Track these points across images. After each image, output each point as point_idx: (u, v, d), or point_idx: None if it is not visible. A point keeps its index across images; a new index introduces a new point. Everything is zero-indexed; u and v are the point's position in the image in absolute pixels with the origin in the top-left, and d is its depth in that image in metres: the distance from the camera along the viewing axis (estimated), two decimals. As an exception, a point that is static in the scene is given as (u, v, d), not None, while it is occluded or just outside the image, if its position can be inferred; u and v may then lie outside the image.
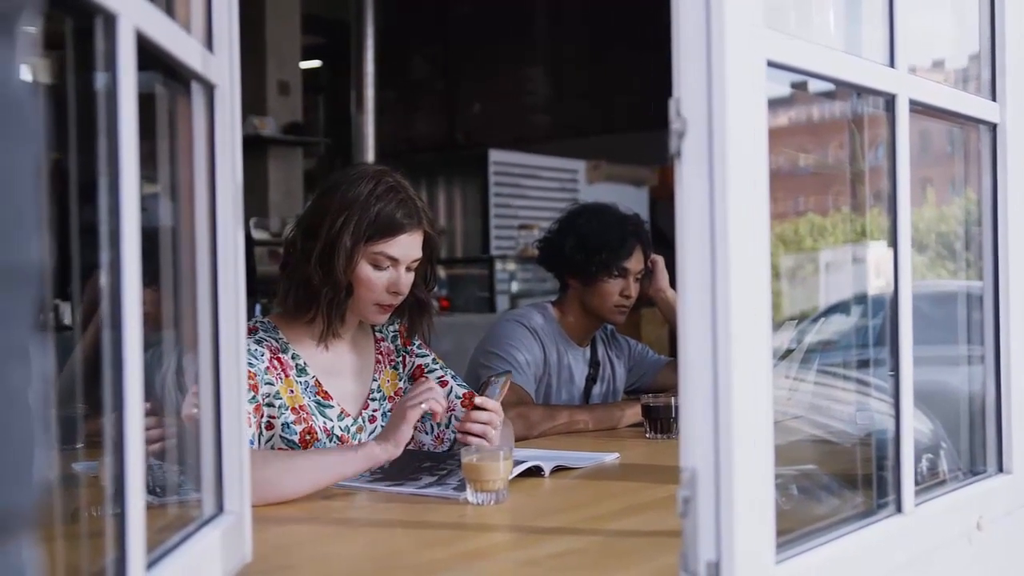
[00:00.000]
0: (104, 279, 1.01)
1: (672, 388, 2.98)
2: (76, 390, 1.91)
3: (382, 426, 2.28)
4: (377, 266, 2.18)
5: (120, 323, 1.00)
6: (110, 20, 0.99)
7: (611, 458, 2.34)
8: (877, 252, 1.89)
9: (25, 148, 0.59)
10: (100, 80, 1.02)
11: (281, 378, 2.17)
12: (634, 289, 3.02)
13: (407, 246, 2.20)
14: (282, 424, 2.14)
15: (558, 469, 2.17)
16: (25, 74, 0.60)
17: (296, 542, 1.68)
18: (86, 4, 0.95)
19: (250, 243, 4.77)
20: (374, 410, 2.32)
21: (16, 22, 0.59)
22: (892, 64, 1.51)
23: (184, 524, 1.30)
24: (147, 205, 1.10)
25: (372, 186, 2.18)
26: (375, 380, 2.33)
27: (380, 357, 2.37)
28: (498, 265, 7.54)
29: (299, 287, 2.19)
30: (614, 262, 2.98)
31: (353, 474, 1.97)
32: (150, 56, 1.11)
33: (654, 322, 6.65)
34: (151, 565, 1.09)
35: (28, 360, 0.59)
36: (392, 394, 2.35)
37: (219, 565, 1.30)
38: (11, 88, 0.58)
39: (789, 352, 2.24)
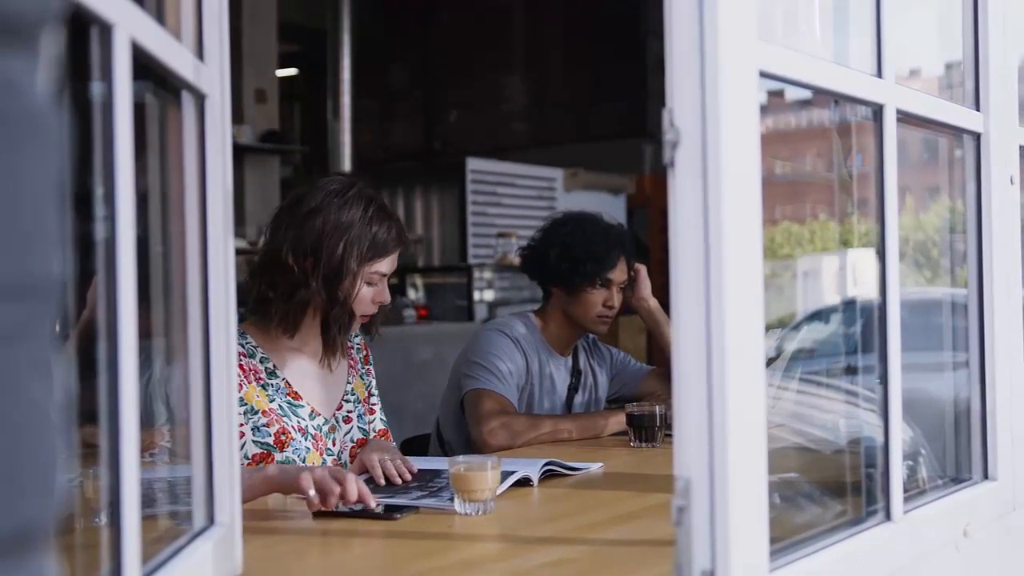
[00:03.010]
0: (100, 290, 1.00)
1: (654, 396, 2.98)
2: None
3: (358, 427, 2.39)
4: (370, 283, 2.28)
5: (115, 334, 1.00)
6: (106, 30, 0.99)
7: (596, 467, 2.34)
8: (855, 260, 1.90)
9: (47, 161, 0.58)
10: (95, 89, 1.01)
11: (246, 384, 2.21)
12: (617, 299, 3.02)
13: (394, 261, 2.32)
14: (253, 428, 2.19)
15: (548, 475, 2.18)
16: (45, 87, 0.60)
17: (286, 554, 1.67)
18: (82, 13, 0.95)
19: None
20: (348, 411, 2.39)
21: (38, 36, 0.59)
22: (879, 74, 1.52)
23: (175, 536, 1.29)
24: (136, 215, 1.09)
25: (363, 208, 2.26)
26: (349, 383, 2.41)
27: (352, 362, 2.45)
28: (476, 273, 7.52)
29: (298, 308, 2.24)
30: (598, 273, 2.97)
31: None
32: (142, 65, 1.10)
33: (631, 330, 6.66)
34: (145, 578, 1.09)
35: (50, 374, 0.59)
36: (362, 399, 2.44)
37: (211, 577, 1.30)
38: (33, 101, 0.58)
39: (771, 360, 2.25)
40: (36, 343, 0.58)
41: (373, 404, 2.50)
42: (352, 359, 2.45)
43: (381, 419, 2.50)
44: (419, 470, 2.20)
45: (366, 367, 2.50)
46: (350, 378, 2.42)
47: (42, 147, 0.58)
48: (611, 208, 7.60)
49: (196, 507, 1.35)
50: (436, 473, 2.18)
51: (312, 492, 1.79)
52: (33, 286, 0.57)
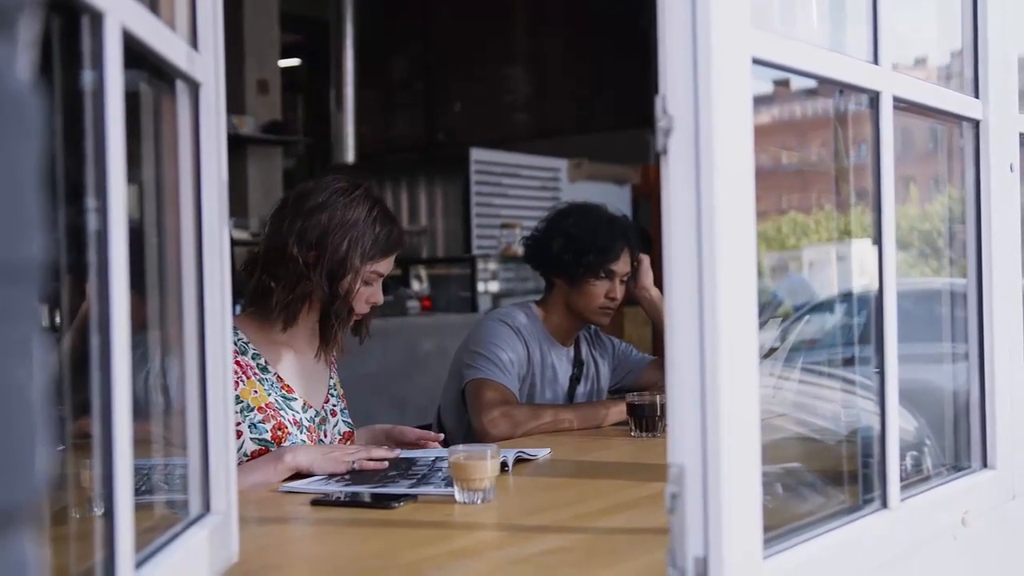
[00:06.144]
0: (91, 281, 1.00)
1: (656, 386, 2.98)
2: (59, 391, 1.91)
3: (343, 420, 2.44)
4: (367, 282, 2.31)
5: (108, 325, 1.00)
6: (96, 18, 0.99)
7: (543, 453, 2.37)
8: (860, 250, 1.90)
9: (26, 145, 0.59)
10: (86, 78, 1.01)
11: (243, 380, 2.23)
12: (619, 291, 3.01)
13: (392, 263, 2.36)
14: (249, 425, 2.20)
15: (519, 461, 2.23)
16: (25, 72, 0.60)
17: (283, 542, 1.68)
18: (73, 1, 0.95)
19: (230, 243, 4.80)
20: (333, 405, 2.44)
21: (16, 20, 0.59)
22: (876, 61, 1.52)
23: (170, 524, 1.29)
24: (130, 205, 1.09)
25: (368, 208, 2.30)
26: (331, 379, 2.46)
27: (332, 360, 2.48)
28: (480, 265, 7.52)
29: (299, 300, 2.27)
30: (601, 264, 2.97)
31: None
32: (135, 54, 1.10)
33: (636, 321, 6.66)
34: (139, 565, 1.09)
35: (31, 356, 0.60)
36: (341, 394, 2.49)
37: (206, 565, 1.30)
38: (11, 86, 0.58)
39: (773, 350, 2.25)
40: (17, 325, 0.58)
41: (343, 407, 2.52)
42: (332, 356, 2.48)
43: (346, 422, 2.51)
44: (399, 458, 2.22)
45: (334, 370, 2.53)
46: (332, 373, 2.47)
47: (21, 132, 0.58)
48: (616, 199, 7.59)
49: (192, 495, 1.35)
50: (412, 461, 2.20)
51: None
52: (13, 269, 0.58)
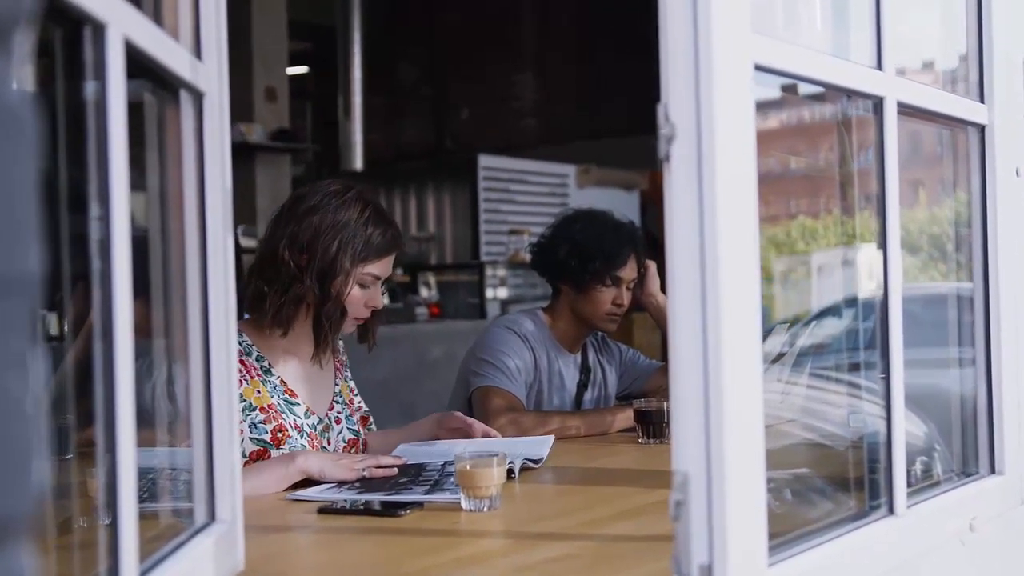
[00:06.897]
0: (94, 289, 1.00)
1: (664, 392, 2.97)
2: (66, 400, 1.92)
3: (347, 428, 2.43)
4: (363, 285, 2.31)
5: (111, 334, 1.00)
6: (99, 29, 0.99)
7: (548, 442, 2.39)
8: (868, 255, 1.89)
9: (23, 157, 0.59)
10: (89, 88, 1.01)
11: (246, 380, 2.24)
12: (626, 297, 3.01)
13: (390, 265, 2.35)
14: (250, 425, 2.21)
15: (524, 469, 2.21)
16: (22, 84, 0.60)
17: (288, 550, 1.67)
18: (75, 13, 0.95)
19: (238, 251, 4.81)
20: (338, 412, 2.43)
21: (13, 32, 0.59)
22: (880, 67, 1.51)
23: (176, 533, 1.29)
24: (135, 214, 1.10)
25: (360, 209, 2.30)
26: (336, 385, 2.45)
27: (338, 366, 2.49)
28: (488, 271, 7.53)
29: (292, 304, 2.27)
30: (608, 271, 2.97)
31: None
32: (138, 64, 1.11)
33: (645, 327, 6.65)
34: (144, 574, 1.09)
35: (27, 368, 0.60)
36: (348, 401, 2.48)
37: (212, 573, 1.30)
38: (8, 98, 0.58)
39: (781, 356, 2.24)
40: (12, 336, 0.58)
41: (359, 401, 2.53)
42: (339, 362, 2.49)
43: (351, 429, 2.50)
44: (407, 465, 2.21)
45: (346, 371, 2.54)
46: (337, 380, 2.46)
47: (17, 144, 0.59)
48: (624, 204, 7.59)
49: (197, 503, 1.35)
50: (421, 467, 2.20)
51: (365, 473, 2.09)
52: (9, 282, 0.58)
